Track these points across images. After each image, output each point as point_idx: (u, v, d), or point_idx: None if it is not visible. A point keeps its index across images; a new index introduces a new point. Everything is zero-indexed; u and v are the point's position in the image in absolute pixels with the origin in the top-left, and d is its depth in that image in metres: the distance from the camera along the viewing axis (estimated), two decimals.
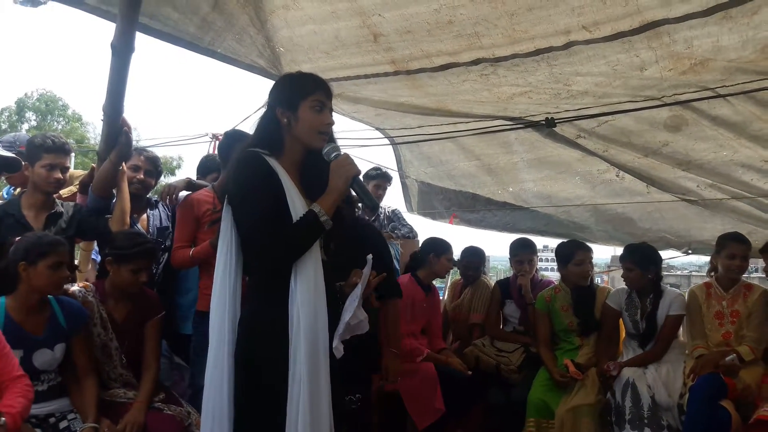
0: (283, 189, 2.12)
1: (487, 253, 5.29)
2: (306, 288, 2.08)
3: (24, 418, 2.41)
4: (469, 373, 4.16)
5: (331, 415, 2.09)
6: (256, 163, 2.13)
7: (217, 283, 2.17)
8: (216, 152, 4.71)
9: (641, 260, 3.95)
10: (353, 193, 2.26)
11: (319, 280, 2.12)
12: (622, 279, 4.08)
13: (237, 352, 2.12)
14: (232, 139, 3.44)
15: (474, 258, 4.98)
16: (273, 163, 2.15)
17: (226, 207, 2.19)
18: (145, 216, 3.85)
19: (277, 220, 2.08)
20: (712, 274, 4.03)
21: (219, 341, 2.12)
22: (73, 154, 3.97)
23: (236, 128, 3.97)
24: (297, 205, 2.12)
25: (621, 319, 4.11)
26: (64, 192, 3.78)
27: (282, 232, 2.07)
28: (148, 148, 4.07)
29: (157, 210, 3.93)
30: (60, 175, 3.22)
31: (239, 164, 2.17)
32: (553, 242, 5.72)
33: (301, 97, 2.20)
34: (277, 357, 2.05)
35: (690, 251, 5.62)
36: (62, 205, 3.33)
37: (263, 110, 2.31)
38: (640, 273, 3.93)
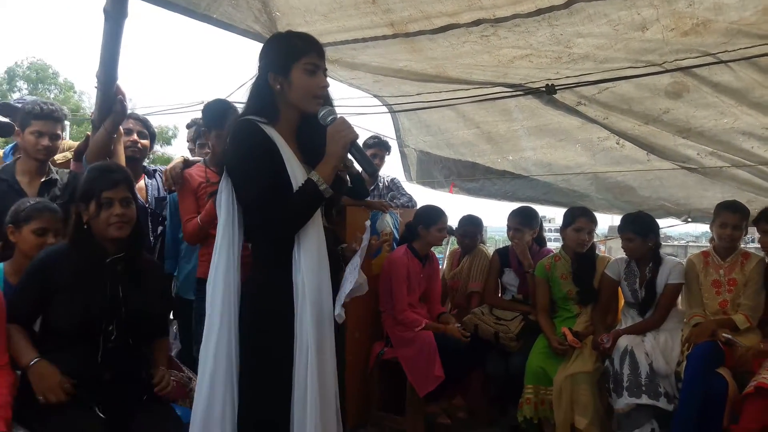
0: (282, 158, 2.08)
1: (484, 223, 5.27)
2: (309, 256, 2.07)
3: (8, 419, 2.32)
4: (468, 339, 4.17)
5: (335, 379, 2.11)
6: (252, 132, 2.09)
7: (221, 252, 2.13)
8: None
9: (641, 229, 3.93)
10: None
11: (322, 247, 2.11)
12: (622, 249, 4.06)
13: (242, 320, 2.11)
14: (215, 110, 3.45)
15: (471, 226, 4.96)
16: (270, 131, 2.11)
17: (225, 177, 2.16)
18: (142, 184, 3.83)
19: (277, 190, 2.05)
20: (712, 242, 4.02)
21: (222, 310, 2.10)
22: (67, 123, 3.97)
23: (220, 98, 3.97)
24: (297, 174, 2.09)
25: (620, 288, 4.12)
26: (58, 158, 3.75)
27: (283, 202, 2.05)
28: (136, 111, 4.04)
29: (154, 179, 3.91)
30: (48, 143, 3.18)
31: (236, 135, 2.13)
32: (551, 212, 5.70)
33: (292, 60, 2.13)
34: (282, 324, 2.05)
35: (689, 219, 5.61)
36: (57, 172, 3.31)
37: (254, 76, 2.24)
38: (641, 242, 3.92)
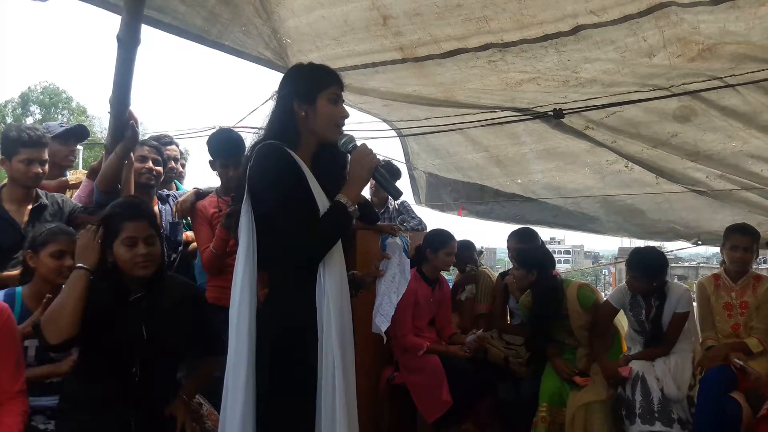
0: (308, 180, 2.12)
1: (494, 245, 5.28)
2: (334, 280, 2.09)
3: None
4: (467, 353, 4.14)
5: (355, 403, 2.12)
6: (282, 156, 2.12)
7: (244, 277, 2.11)
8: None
9: (649, 271, 3.81)
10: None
11: (344, 271, 2.14)
12: (627, 285, 3.96)
13: (263, 346, 2.08)
14: (221, 139, 3.50)
15: (465, 251, 4.89)
16: (294, 155, 2.15)
17: (247, 201, 2.15)
18: (156, 210, 3.85)
19: (307, 211, 2.08)
20: (723, 265, 3.97)
21: (245, 335, 2.07)
22: (80, 148, 4.03)
23: (225, 128, 4.03)
24: (321, 198, 2.12)
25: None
26: (72, 179, 3.77)
27: (313, 225, 2.07)
28: (147, 137, 4.06)
29: (168, 205, 3.93)
30: (39, 170, 3.14)
31: (264, 156, 2.14)
32: (559, 234, 5.70)
33: (319, 89, 2.19)
34: (308, 349, 2.05)
35: (699, 242, 5.60)
36: (47, 196, 3.26)
37: (275, 102, 2.28)
38: (647, 282, 3.82)
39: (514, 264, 4.20)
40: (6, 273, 2.97)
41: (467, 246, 4.96)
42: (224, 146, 3.43)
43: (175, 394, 2.63)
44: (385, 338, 3.31)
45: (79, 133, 4.06)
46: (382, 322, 2.98)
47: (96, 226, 2.45)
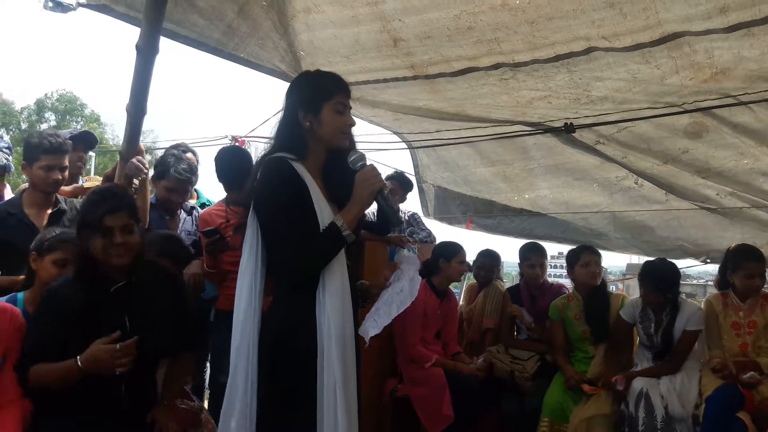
0: (310, 195, 2.12)
1: (502, 259, 5.27)
2: (334, 296, 2.08)
3: None
4: (478, 372, 4.14)
5: (357, 417, 2.11)
6: (282, 169, 2.13)
7: (242, 287, 2.15)
8: None
9: (663, 284, 3.83)
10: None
11: (346, 287, 2.13)
12: (640, 298, 3.97)
13: (263, 358, 2.10)
14: (228, 156, 3.65)
15: (487, 259, 4.95)
16: (299, 168, 2.15)
17: (252, 213, 2.18)
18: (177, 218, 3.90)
19: (303, 231, 2.08)
20: (729, 289, 3.89)
21: (243, 343, 2.11)
22: (93, 155, 4.06)
23: (233, 145, 4.07)
24: (324, 213, 2.12)
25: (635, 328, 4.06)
26: (88, 185, 3.79)
27: (307, 244, 2.07)
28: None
29: (191, 216, 3.96)
30: (59, 176, 3.17)
31: (265, 171, 2.16)
32: (568, 249, 5.70)
33: (323, 100, 2.19)
34: (307, 363, 2.05)
35: (708, 260, 5.56)
36: (66, 201, 3.30)
37: (282, 113, 2.29)
38: (662, 296, 3.83)
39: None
40: (11, 277, 2.98)
41: (491, 255, 5.00)
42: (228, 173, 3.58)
43: (155, 396, 2.58)
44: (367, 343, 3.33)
45: (86, 140, 4.11)
46: (372, 326, 2.97)
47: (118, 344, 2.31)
